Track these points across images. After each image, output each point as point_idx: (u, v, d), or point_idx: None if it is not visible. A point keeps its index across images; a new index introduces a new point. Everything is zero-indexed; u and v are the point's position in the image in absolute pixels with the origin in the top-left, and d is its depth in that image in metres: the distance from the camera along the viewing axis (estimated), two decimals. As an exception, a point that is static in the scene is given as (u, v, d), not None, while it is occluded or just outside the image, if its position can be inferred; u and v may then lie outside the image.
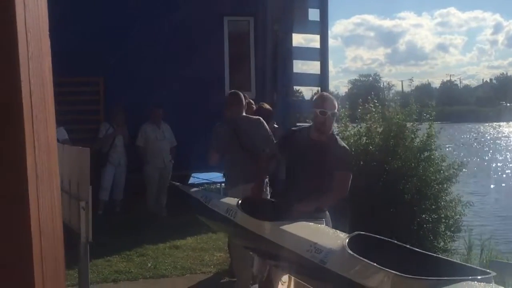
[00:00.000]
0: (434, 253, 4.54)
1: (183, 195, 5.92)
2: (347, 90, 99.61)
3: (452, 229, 8.45)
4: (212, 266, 6.71)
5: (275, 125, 6.94)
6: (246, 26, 10.84)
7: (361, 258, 2.99)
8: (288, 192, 4.60)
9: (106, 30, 9.58)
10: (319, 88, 10.39)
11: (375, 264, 2.90)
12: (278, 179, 6.46)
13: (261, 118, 5.86)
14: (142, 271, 6.45)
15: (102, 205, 9.22)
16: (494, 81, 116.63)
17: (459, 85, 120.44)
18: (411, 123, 8.63)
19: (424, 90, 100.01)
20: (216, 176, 10.31)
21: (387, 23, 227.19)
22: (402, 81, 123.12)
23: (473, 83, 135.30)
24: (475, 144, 41.25)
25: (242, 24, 10.97)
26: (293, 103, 10.71)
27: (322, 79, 10.15)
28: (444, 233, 8.42)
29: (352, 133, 8.90)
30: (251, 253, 4.98)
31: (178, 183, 6.75)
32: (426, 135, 8.60)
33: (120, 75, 9.65)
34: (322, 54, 10.13)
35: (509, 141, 48.41)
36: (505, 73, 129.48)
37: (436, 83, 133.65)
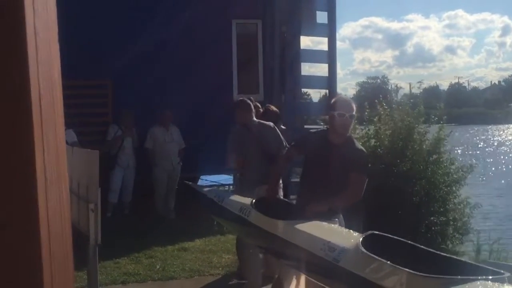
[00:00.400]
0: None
1: (195, 194, 5.96)
2: (355, 93, 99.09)
3: (460, 231, 8.41)
4: (221, 268, 6.72)
5: (282, 127, 6.96)
6: (254, 28, 10.87)
7: (376, 256, 2.99)
8: (302, 192, 4.62)
9: (115, 33, 9.61)
10: (327, 91, 10.37)
11: (389, 262, 2.89)
12: (290, 182, 6.48)
13: (272, 124, 5.95)
14: (151, 273, 6.47)
15: (111, 207, 9.25)
16: (503, 83, 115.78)
17: (467, 87, 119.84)
18: (421, 126, 8.58)
19: (432, 92, 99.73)
20: (225, 178, 10.31)
21: (395, 25, 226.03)
22: (410, 83, 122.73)
23: (481, 85, 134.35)
24: (484, 146, 40.97)
25: (250, 26, 11.00)
26: (300, 105, 10.69)
27: (330, 82, 10.11)
28: (452, 235, 8.37)
29: (361, 135, 8.87)
30: (262, 253, 4.99)
31: (190, 183, 6.79)
32: (435, 138, 8.55)
33: (129, 78, 9.69)
34: (330, 56, 10.10)
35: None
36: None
37: (444, 85, 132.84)
